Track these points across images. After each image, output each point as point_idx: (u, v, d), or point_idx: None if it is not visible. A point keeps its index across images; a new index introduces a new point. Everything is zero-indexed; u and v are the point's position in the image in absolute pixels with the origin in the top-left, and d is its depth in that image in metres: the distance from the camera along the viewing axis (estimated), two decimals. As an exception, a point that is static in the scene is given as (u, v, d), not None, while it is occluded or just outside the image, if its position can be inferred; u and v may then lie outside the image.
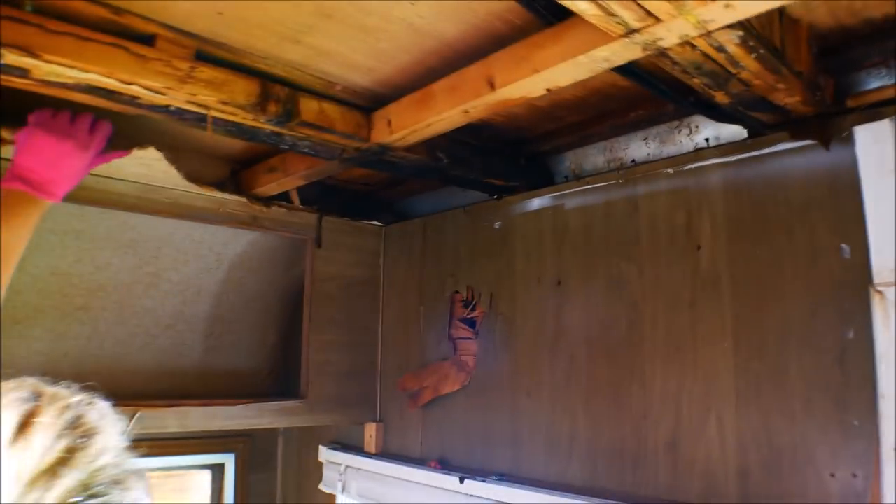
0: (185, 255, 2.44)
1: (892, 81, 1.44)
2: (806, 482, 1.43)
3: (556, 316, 1.98)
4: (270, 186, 2.13)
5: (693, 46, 1.17)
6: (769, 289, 1.54)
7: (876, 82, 1.46)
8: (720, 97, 1.40)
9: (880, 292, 1.34)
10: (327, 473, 2.60)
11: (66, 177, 1.43)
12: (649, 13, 1.04)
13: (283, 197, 2.34)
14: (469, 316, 2.26)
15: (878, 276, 1.35)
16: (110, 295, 2.32)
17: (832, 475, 1.39)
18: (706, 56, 1.21)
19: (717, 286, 1.63)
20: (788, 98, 1.39)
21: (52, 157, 1.40)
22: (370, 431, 2.51)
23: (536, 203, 2.10)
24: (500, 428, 2.09)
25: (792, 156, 1.54)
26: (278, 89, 1.51)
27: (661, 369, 1.71)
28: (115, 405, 0.71)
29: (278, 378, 2.86)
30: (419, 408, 2.37)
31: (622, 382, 1.78)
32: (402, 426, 2.46)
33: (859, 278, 1.41)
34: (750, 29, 1.13)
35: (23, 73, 1.25)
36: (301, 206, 2.38)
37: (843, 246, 1.44)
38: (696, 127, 1.78)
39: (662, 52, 1.19)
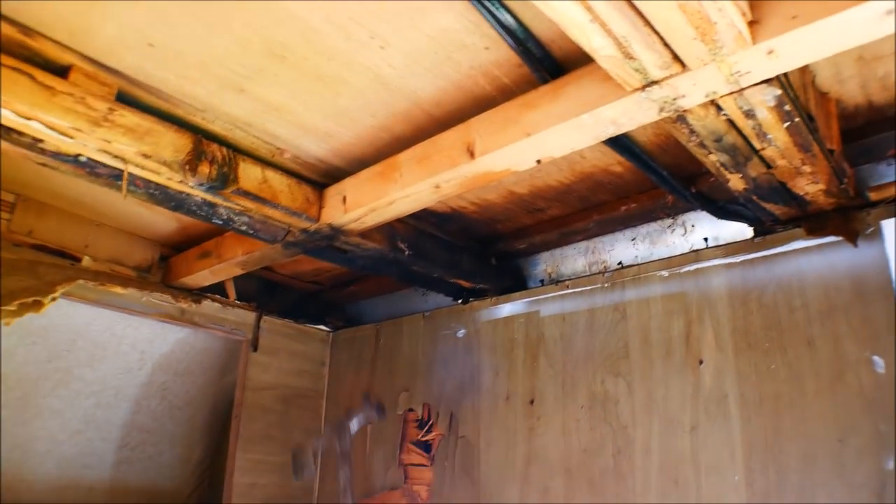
0: (103, 351, 2.12)
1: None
2: None
3: (528, 440, 1.68)
4: (203, 275, 1.83)
5: (718, 109, 0.98)
6: (787, 410, 1.30)
7: (899, 175, 1.31)
8: (735, 182, 1.21)
9: (929, 418, 1.12)
10: None
11: None
12: (676, 58, 0.85)
13: (219, 290, 2.04)
14: (424, 438, 1.93)
15: (924, 398, 1.13)
16: (12, 390, 1.97)
17: None
18: (731, 124, 1.02)
19: (723, 407, 1.38)
20: (812, 186, 1.21)
21: None
22: (299, 577, 2.08)
23: (507, 309, 1.85)
24: (457, 578, 1.72)
25: (808, 255, 1.35)
26: (214, 148, 1.27)
27: (658, 508, 1.41)
28: None
29: (203, 499, 2.45)
30: (360, 549, 1.98)
31: (610, 524, 1.47)
32: (337, 572, 2.05)
33: (897, 399, 1.19)
34: (787, 88, 0.95)
35: None
36: (237, 302, 2.08)
37: (876, 358, 1.23)
38: (692, 226, 1.59)
39: (680, 116, 1.01)
